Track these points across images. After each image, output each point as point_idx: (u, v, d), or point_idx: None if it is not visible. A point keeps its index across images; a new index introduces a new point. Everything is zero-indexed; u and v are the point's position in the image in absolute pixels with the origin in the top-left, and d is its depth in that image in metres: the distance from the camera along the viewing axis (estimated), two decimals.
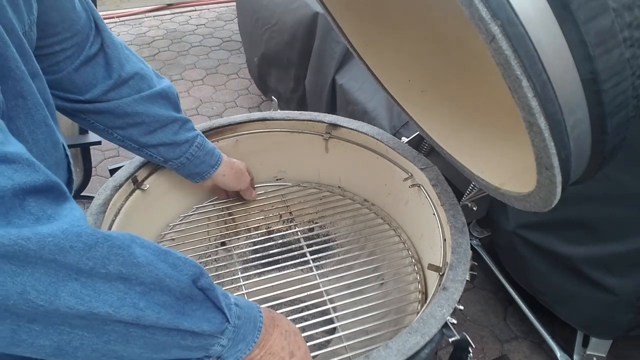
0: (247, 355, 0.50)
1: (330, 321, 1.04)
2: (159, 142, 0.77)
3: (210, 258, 1.00)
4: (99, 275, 0.36)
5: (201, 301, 0.45)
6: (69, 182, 0.62)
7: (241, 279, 1.01)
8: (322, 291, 0.98)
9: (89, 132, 1.42)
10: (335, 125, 0.98)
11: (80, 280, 0.35)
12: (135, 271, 0.39)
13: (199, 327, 0.44)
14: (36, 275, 0.32)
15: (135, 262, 0.39)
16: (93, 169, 1.64)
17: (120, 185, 0.82)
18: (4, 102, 0.44)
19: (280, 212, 1.06)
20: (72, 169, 0.61)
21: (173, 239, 0.93)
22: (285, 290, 0.91)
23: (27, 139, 0.49)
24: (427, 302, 0.67)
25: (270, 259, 1.01)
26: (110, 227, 0.77)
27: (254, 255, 1.03)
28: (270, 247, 1.04)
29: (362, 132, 0.95)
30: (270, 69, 2.14)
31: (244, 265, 1.02)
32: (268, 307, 0.61)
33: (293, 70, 1.96)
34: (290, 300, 0.85)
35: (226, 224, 1.03)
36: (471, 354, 0.63)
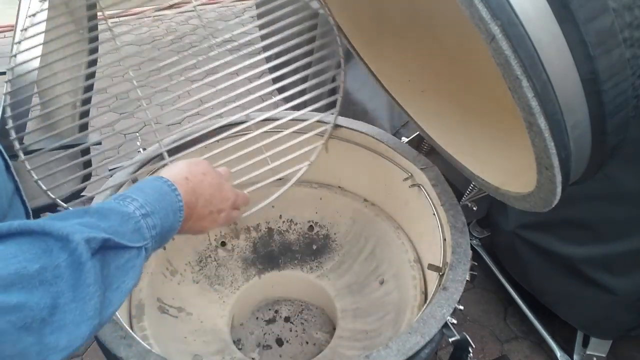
0: (179, 230, 0.50)
1: (331, 321, 1.04)
2: None
3: (210, 258, 1.01)
4: None
5: (108, 262, 0.38)
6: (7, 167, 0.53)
7: (241, 279, 1.01)
8: (322, 291, 0.99)
9: (89, 132, 1.42)
10: (335, 125, 0.97)
11: None
12: (12, 340, 0.31)
13: (123, 274, 0.39)
14: None
15: (4, 330, 0.30)
16: (93, 169, 1.64)
17: (121, 185, 0.82)
18: None
19: (280, 212, 1.06)
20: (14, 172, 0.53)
21: (173, 239, 0.93)
22: (285, 290, 0.91)
23: None
24: (427, 302, 0.67)
25: (270, 259, 1.01)
26: None
27: (254, 255, 1.03)
28: (270, 247, 1.04)
29: (362, 132, 0.95)
30: (282, 70, 2.14)
31: (244, 266, 1.02)
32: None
33: (300, 70, 1.96)
34: (290, 300, 0.85)
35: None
36: (471, 354, 0.63)
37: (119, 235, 0.40)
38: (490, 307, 1.44)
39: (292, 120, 1.00)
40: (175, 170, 0.52)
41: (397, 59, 0.85)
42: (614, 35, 0.38)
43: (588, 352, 1.18)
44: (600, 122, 0.43)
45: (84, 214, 0.40)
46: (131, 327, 0.75)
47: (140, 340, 0.60)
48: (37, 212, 0.79)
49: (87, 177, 1.53)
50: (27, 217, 0.58)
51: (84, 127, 1.40)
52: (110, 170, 0.87)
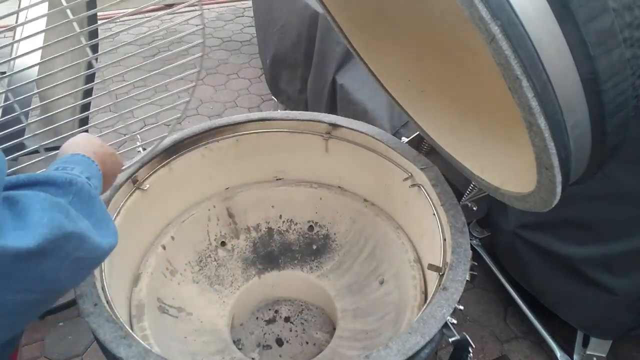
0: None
1: (331, 321, 1.04)
2: None
3: (210, 258, 1.01)
4: None
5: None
6: None
7: (241, 279, 1.01)
8: (322, 291, 0.99)
9: (89, 132, 1.42)
10: (335, 125, 0.97)
11: None
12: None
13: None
14: None
15: None
16: None
17: (120, 185, 0.82)
18: None
19: (280, 212, 1.06)
20: None
21: (173, 238, 0.93)
22: (285, 290, 0.91)
23: None
24: (427, 302, 0.67)
25: (270, 259, 1.01)
26: None
27: (254, 256, 1.03)
28: (270, 247, 1.04)
29: (362, 132, 0.95)
30: (281, 70, 2.13)
31: (244, 266, 1.02)
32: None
33: (300, 71, 1.95)
34: (290, 300, 0.85)
35: (226, 224, 1.03)
36: (471, 354, 0.63)
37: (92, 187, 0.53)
38: (490, 307, 1.44)
39: (292, 120, 0.99)
40: (84, 147, 0.64)
41: (397, 59, 0.85)
42: (614, 35, 0.38)
43: (588, 352, 1.18)
44: (600, 122, 0.43)
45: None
46: (131, 327, 0.75)
47: (140, 341, 0.60)
48: None
49: None
50: None
51: (83, 127, 1.40)
52: None
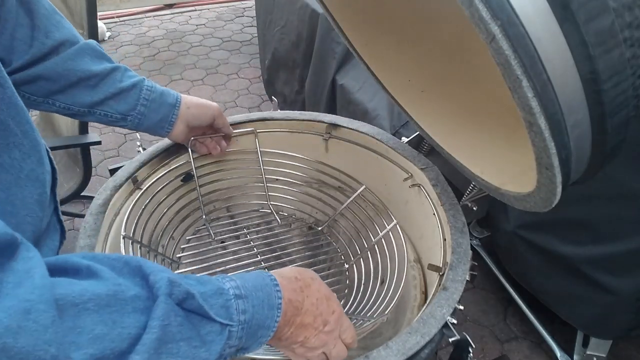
0: (274, 335, 0.45)
1: None
2: (106, 95, 0.69)
3: (209, 258, 1.01)
4: None
5: (186, 323, 0.38)
6: (54, 172, 0.57)
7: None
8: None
9: (89, 132, 1.42)
10: (335, 125, 0.97)
11: None
12: (104, 345, 0.32)
13: (202, 344, 0.38)
14: None
15: (100, 336, 0.32)
16: (93, 169, 1.64)
17: (120, 185, 0.82)
18: None
19: (281, 212, 1.06)
20: (52, 157, 0.57)
21: (173, 238, 0.93)
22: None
23: (15, 131, 0.44)
24: (427, 302, 0.67)
25: (271, 259, 1.01)
26: (110, 227, 0.77)
27: (254, 256, 1.03)
28: (271, 247, 1.04)
29: (362, 132, 0.95)
30: (279, 71, 2.13)
31: (244, 266, 1.02)
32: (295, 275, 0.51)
33: (298, 71, 1.95)
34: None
35: (227, 224, 1.03)
36: (471, 354, 0.63)
37: (207, 303, 0.39)
38: (490, 307, 1.44)
39: (292, 120, 0.99)
40: (283, 271, 0.51)
41: (397, 59, 0.85)
42: (614, 35, 0.38)
43: (588, 352, 1.18)
44: (601, 122, 0.43)
45: (186, 275, 0.42)
46: None
47: None
48: None
49: (86, 177, 1.54)
50: (56, 210, 0.61)
51: (83, 127, 1.40)
52: (110, 170, 0.87)
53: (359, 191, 0.98)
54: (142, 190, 0.85)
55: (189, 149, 0.90)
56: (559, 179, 0.44)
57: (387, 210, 0.99)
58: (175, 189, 0.93)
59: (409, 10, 0.79)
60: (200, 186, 0.96)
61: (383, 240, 0.95)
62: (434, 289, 0.70)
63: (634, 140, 0.82)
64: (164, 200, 0.90)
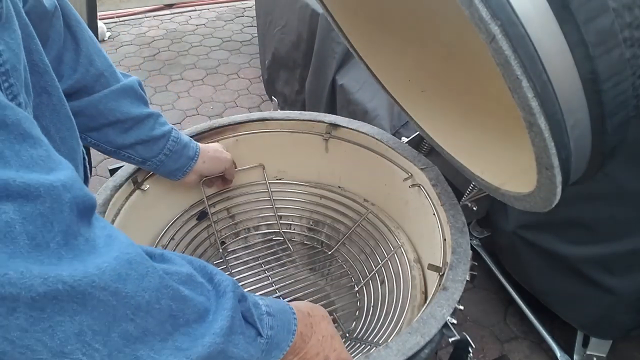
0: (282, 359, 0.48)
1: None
2: (136, 141, 0.72)
3: (210, 259, 1.01)
4: (152, 312, 0.33)
5: (243, 321, 0.42)
6: (86, 180, 0.59)
7: (242, 279, 1.01)
8: (322, 291, 0.98)
9: None
10: (335, 125, 0.98)
11: (135, 321, 0.32)
12: (183, 306, 0.35)
13: (235, 350, 0.40)
14: (94, 313, 0.29)
15: (182, 297, 0.36)
16: (93, 169, 1.64)
17: (120, 185, 0.82)
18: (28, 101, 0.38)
19: (281, 212, 1.06)
20: (88, 165, 0.59)
21: (173, 238, 0.93)
22: (286, 290, 0.91)
23: (55, 137, 0.46)
24: (427, 302, 0.67)
25: (271, 259, 1.01)
26: None
27: (254, 256, 1.03)
28: (271, 247, 1.04)
29: (362, 132, 0.95)
30: (279, 71, 2.13)
31: (244, 266, 1.02)
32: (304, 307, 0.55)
33: (298, 71, 1.95)
34: (290, 300, 0.85)
35: (226, 224, 1.03)
36: (471, 354, 0.63)
37: (256, 310, 0.44)
38: (490, 307, 1.44)
39: (292, 120, 0.99)
40: (299, 304, 0.55)
41: (397, 59, 0.85)
42: (614, 35, 0.38)
43: (588, 352, 1.18)
44: (600, 122, 0.43)
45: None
46: None
47: None
48: None
49: (86, 177, 1.54)
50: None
51: None
52: (110, 170, 0.87)
53: (365, 215, 0.98)
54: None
55: (202, 189, 0.94)
56: (559, 179, 0.44)
57: (387, 211, 0.99)
58: (191, 229, 0.96)
59: (409, 10, 0.80)
60: (215, 222, 0.99)
61: (383, 240, 0.95)
62: (434, 289, 0.70)
63: (634, 141, 0.82)
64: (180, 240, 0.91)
